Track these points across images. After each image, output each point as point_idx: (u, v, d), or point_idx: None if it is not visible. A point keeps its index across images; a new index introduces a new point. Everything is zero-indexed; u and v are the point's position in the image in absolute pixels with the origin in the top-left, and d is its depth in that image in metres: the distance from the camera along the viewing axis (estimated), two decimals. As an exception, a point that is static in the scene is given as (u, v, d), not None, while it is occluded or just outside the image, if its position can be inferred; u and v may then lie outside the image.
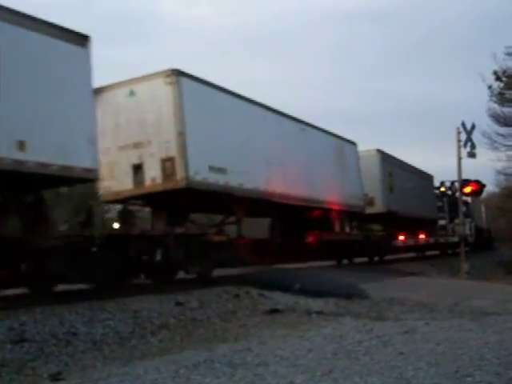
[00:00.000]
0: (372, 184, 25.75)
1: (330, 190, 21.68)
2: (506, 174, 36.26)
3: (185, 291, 12.61)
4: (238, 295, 12.79)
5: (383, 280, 18.60)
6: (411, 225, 31.12)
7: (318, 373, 6.19)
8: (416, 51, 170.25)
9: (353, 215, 24.67)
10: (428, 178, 36.66)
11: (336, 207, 22.30)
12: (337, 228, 22.76)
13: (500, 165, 33.68)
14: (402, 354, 7.12)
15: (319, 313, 11.60)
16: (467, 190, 28.29)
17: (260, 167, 17.39)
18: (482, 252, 39.77)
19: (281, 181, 18.35)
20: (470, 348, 7.36)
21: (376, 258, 27.97)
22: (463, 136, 25.92)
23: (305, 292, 13.90)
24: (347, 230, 24.07)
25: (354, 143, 24.94)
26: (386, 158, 27.54)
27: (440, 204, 38.28)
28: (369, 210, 25.40)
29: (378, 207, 26.16)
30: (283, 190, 18.35)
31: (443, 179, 36.59)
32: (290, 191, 18.84)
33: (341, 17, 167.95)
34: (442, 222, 38.23)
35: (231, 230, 17.48)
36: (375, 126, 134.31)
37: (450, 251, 39.08)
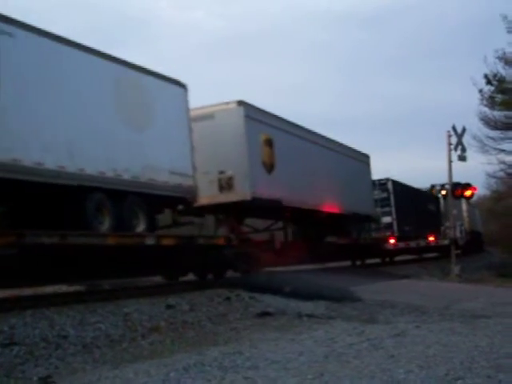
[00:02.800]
0: (231, 156, 16.82)
1: (93, 155, 12.45)
2: (496, 178, 36.51)
3: (176, 294, 12.59)
4: (228, 298, 12.78)
5: (374, 283, 18.63)
6: (320, 222, 22.51)
7: (308, 376, 6.19)
8: (405, 54, 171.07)
9: (175, 203, 15.59)
10: (360, 158, 26.78)
11: (107, 186, 12.74)
12: (105, 224, 12.64)
13: (491, 168, 33.91)
14: (392, 356, 7.13)
15: (310, 316, 11.59)
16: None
17: None
18: (473, 255, 39.92)
19: None
20: (460, 351, 7.38)
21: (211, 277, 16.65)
22: (454, 139, 25.99)
23: (296, 295, 13.88)
24: (141, 228, 13.69)
25: (179, 83, 15.53)
26: (257, 117, 17.88)
27: (384, 195, 30.20)
28: (224, 197, 16.84)
29: (240, 193, 16.77)
30: None
31: (433, 182, 36.72)
32: None
33: (328, 19, 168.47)
34: (386, 220, 30.38)
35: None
36: (361, 130, 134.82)
37: (393, 258, 32.48)
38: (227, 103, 17.24)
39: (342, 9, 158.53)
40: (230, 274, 16.88)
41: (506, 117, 30.22)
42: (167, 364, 7.13)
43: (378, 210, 29.49)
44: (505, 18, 27.43)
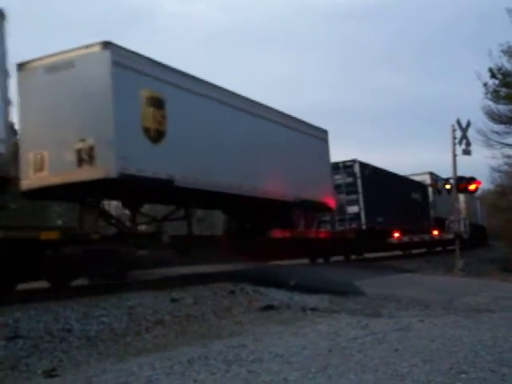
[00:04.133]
0: (94, 118, 12.32)
1: None
2: (500, 172, 36.46)
3: (180, 287, 12.62)
4: (233, 292, 12.80)
5: (378, 277, 18.60)
6: (257, 211, 18.57)
7: (312, 369, 6.19)
8: (411, 48, 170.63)
9: None
10: (313, 133, 20.82)
11: None
12: None
13: (495, 162, 33.88)
14: (396, 350, 7.14)
15: (314, 309, 11.60)
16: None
17: None
18: (477, 249, 39.85)
19: None
20: (464, 345, 7.38)
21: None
22: (458, 133, 25.91)
23: (300, 288, 13.88)
24: None
25: None
26: (135, 66, 13.03)
27: (350, 180, 25.45)
28: (84, 174, 12.23)
29: (103, 167, 12.13)
30: None
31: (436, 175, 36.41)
32: None
33: (331, 14, 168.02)
34: (352, 209, 25.42)
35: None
36: (369, 123, 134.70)
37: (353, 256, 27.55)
38: (89, 46, 12.52)
39: (342, 1, 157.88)
40: (231, 267, 16.83)
41: (511, 111, 30.15)
42: (171, 357, 7.15)
43: (343, 197, 25.03)
44: (510, 11, 27.37)
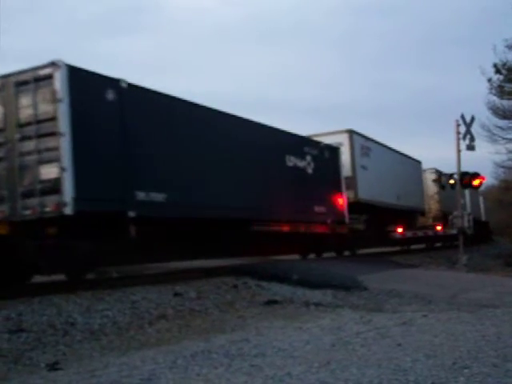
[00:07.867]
0: None
1: None
2: (504, 167, 36.40)
3: (183, 282, 12.62)
4: (236, 286, 12.81)
5: (381, 272, 18.58)
6: None
7: (315, 364, 6.18)
8: (417, 44, 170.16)
9: None
10: None
11: None
12: None
13: (499, 157, 33.84)
14: (399, 345, 7.12)
15: (317, 304, 11.61)
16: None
17: None
18: (481, 244, 39.75)
19: None
20: (467, 340, 7.36)
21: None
22: (462, 129, 25.82)
23: (303, 283, 13.90)
24: None
25: None
26: None
27: (44, 109, 10.67)
28: None
29: None
30: None
31: (443, 171, 35.99)
32: None
33: (346, 9, 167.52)
34: (47, 173, 10.60)
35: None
36: (379, 119, 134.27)
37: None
38: None
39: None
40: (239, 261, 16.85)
41: (515, 106, 30.13)
42: (174, 351, 7.16)
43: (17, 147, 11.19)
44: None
